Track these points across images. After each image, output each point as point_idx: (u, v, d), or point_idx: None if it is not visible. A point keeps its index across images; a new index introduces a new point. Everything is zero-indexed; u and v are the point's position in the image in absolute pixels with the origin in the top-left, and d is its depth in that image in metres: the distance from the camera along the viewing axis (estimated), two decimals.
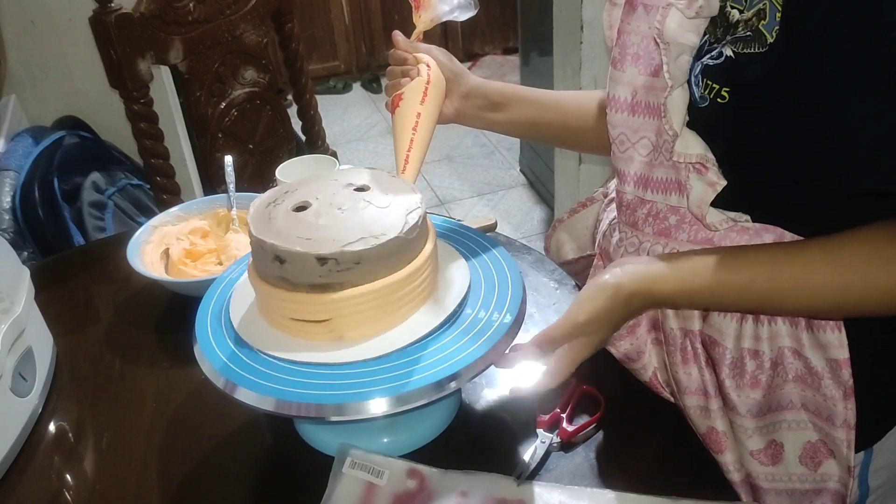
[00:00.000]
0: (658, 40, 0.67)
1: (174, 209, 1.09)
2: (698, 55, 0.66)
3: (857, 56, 0.57)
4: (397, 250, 0.67)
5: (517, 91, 0.96)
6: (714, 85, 0.65)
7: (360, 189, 0.73)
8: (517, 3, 2.63)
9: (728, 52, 0.64)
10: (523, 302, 0.73)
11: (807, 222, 0.67)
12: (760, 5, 0.61)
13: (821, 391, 0.70)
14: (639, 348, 0.78)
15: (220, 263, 1.01)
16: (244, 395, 0.64)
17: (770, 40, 0.61)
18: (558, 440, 0.74)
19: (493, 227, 1.03)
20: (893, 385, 0.75)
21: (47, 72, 1.87)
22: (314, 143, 1.76)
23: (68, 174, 1.71)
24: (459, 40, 3.84)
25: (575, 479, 0.71)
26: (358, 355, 0.66)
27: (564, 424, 0.75)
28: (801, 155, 0.65)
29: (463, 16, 0.88)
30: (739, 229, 0.70)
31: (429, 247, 0.71)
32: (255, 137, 1.61)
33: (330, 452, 0.73)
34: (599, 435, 0.76)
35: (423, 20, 0.89)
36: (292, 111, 1.74)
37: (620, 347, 0.79)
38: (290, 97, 2.22)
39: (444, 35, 3.79)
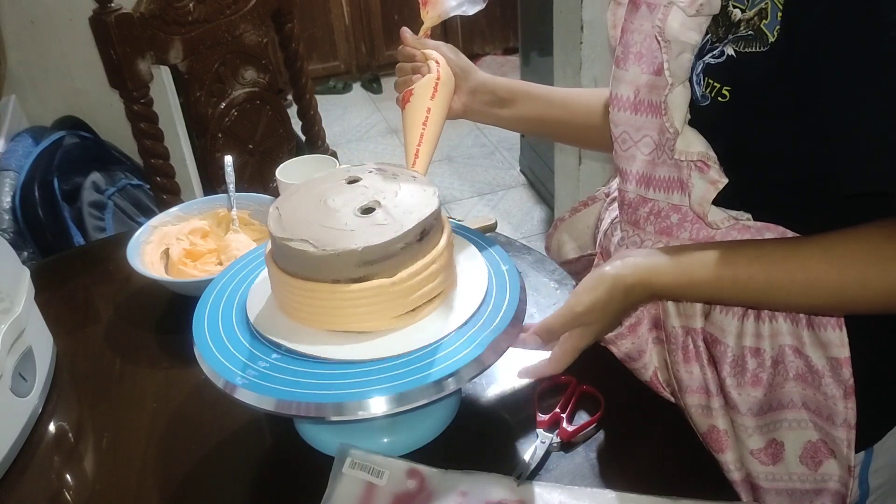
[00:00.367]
0: (659, 38, 0.67)
1: (174, 209, 1.09)
2: (700, 54, 0.66)
3: (856, 56, 0.57)
4: (415, 243, 0.68)
5: (524, 87, 0.96)
6: (715, 84, 0.65)
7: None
8: (517, 3, 2.62)
9: (729, 51, 0.64)
10: (523, 302, 0.73)
11: (808, 221, 0.67)
12: (762, 4, 0.61)
13: (821, 390, 0.70)
14: (640, 347, 0.78)
15: (220, 263, 1.01)
16: (244, 395, 0.64)
17: (771, 39, 0.61)
18: (558, 440, 0.74)
19: (493, 228, 1.03)
20: (894, 384, 0.75)
21: (47, 72, 1.87)
22: (314, 143, 1.76)
23: (68, 174, 1.71)
24: (459, 40, 3.84)
25: (575, 479, 0.71)
26: (374, 353, 0.66)
27: (564, 424, 0.75)
28: (802, 154, 0.65)
29: (472, 9, 0.88)
30: (741, 228, 0.70)
31: (444, 238, 0.72)
32: (255, 137, 1.61)
33: (330, 452, 0.73)
34: (599, 435, 0.75)
35: (431, 16, 0.90)
36: (292, 111, 1.74)
37: (622, 347, 0.79)
38: (290, 97, 2.22)
39: (444, 35, 3.79)
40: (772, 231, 0.70)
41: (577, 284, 0.96)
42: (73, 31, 1.75)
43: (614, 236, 0.82)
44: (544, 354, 0.75)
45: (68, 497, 0.75)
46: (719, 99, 0.65)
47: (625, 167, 0.77)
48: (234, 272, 0.80)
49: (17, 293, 0.84)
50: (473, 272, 0.76)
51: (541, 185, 2.71)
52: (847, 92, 0.58)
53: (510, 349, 0.69)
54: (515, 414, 0.78)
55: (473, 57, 3.89)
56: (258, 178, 1.62)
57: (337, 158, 1.38)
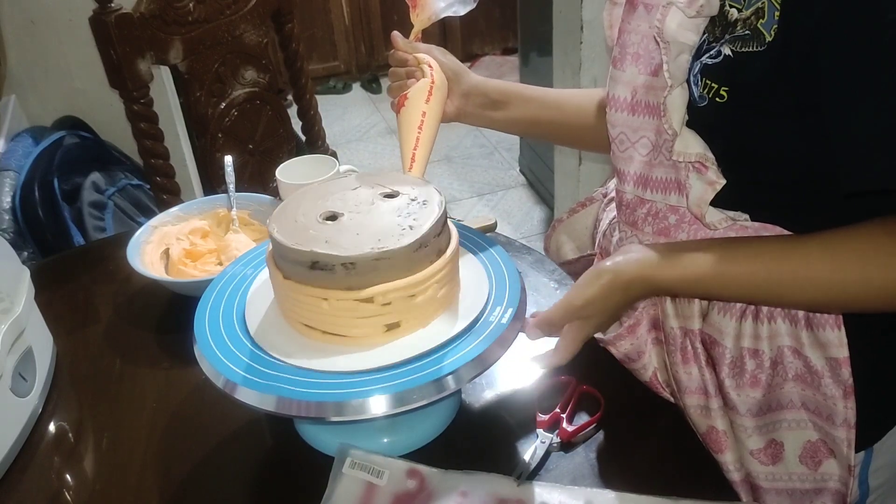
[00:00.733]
0: (658, 39, 0.67)
1: (174, 209, 1.09)
2: (697, 54, 0.66)
3: (855, 55, 0.57)
4: (421, 249, 0.68)
5: (517, 89, 0.96)
6: (713, 84, 0.65)
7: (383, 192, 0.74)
8: (517, 3, 2.63)
9: (727, 51, 0.64)
10: (523, 302, 0.73)
11: (806, 221, 0.67)
12: (759, 4, 0.61)
13: (821, 390, 0.70)
14: (639, 348, 0.79)
15: (220, 263, 1.01)
16: (244, 395, 0.64)
17: (769, 39, 0.61)
18: (558, 440, 0.74)
19: (492, 228, 1.03)
20: (893, 384, 0.75)
21: (47, 72, 1.87)
22: (314, 143, 1.76)
23: (68, 174, 1.71)
24: (458, 41, 3.84)
25: (575, 479, 0.71)
26: (374, 362, 0.66)
27: (564, 424, 0.75)
28: (801, 154, 0.65)
29: (462, 10, 0.88)
30: (738, 228, 0.70)
31: (452, 244, 0.72)
32: (255, 137, 1.61)
33: (330, 452, 0.73)
34: (599, 435, 0.76)
35: (421, 18, 0.89)
36: (292, 111, 1.74)
37: (621, 347, 0.79)
38: (290, 97, 2.22)
39: (443, 36, 3.79)
40: (769, 231, 0.70)
41: None
42: (73, 31, 1.75)
43: (613, 237, 0.82)
44: (552, 342, 0.75)
45: (68, 497, 0.75)
46: (717, 99, 0.65)
47: (622, 168, 0.78)
48: (234, 272, 0.80)
49: (17, 293, 0.84)
50: (474, 276, 0.76)
51: (540, 185, 2.71)
52: (846, 91, 0.58)
53: (511, 347, 0.70)
54: (515, 414, 0.78)
55: (472, 57, 3.90)
56: (258, 178, 1.62)
57: (337, 158, 1.38)
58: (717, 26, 0.65)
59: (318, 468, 0.71)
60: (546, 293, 0.96)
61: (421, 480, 0.69)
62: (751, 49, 0.62)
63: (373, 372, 0.65)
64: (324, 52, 3.74)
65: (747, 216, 0.70)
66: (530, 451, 0.73)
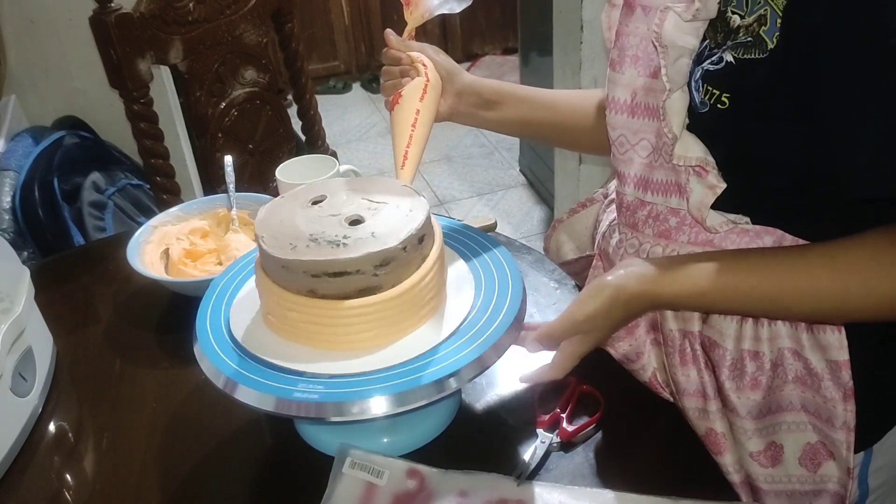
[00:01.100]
0: (656, 43, 0.67)
1: (174, 209, 1.09)
2: (699, 60, 0.66)
3: (857, 62, 0.57)
4: (408, 257, 0.67)
5: (511, 89, 0.96)
6: (714, 90, 0.65)
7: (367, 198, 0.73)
8: (517, 3, 2.63)
9: (729, 57, 0.63)
10: (523, 302, 0.73)
11: (807, 225, 0.67)
12: (761, 11, 0.61)
13: (821, 393, 0.70)
14: (637, 349, 0.78)
15: (220, 263, 1.01)
16: (244, 395, 0.64)
17: (771, 46, 0.61)
18: (558, 440, 0.74)
19: (493, 227, 1.03)
20: (893, 386, 0.75)
21: (47, 72, 1.87)
22: (314, 143, 1.76)
23: (68, 174, 1.71)
24: (459, 41, 3.84)
25: (575, 479, 0.71)
26: (364, 366, 0.66)
27: (564, 424, 0.75)
28: (803, 160, 0.65)
29: (458, 7, 0.87)
30: (739, 231, 0.70)
31: (436, 250, 0.71)
32: (255, 137, 1.61)
33: (330, 452, 0.73)
34: (599, 435, 0.76)
35: (415, 16, 0.89)
36: (292, 111, 1.74)
37: (619, 348, 0.79)
38: (290, 97, 2.22)
39: (443, 35, 3.79)
40: (770, 234, 0.70)
41: (576, 284, 0.97)
42: (73, 30, 1.75)
43: (612, 238, 0.82)
44: (546, 357, 0.75)
45: (68, 497, 0.75)
46: (719, 106, 0.65)
47: (623, 170, 0.77)
48: (234, 272, 0.80)
49: (17, 293, 0.84)
50: (475, 277, 0.76)
51: (540, 185, 2.71)
52: (849, 98, 0.58)
53: (510, 349, 0.70)
54: (515, 414, 0.78)
55: (473, 57, 3.89)
56: (258, 178, 1.62)
57: (337, 158, 1.38)
58: (719, 32, 0.64)
59: (318, 468, 0.71)
60: (546, 293, 0.96)
61: (421, 480, 0.69)
62: (753, 56, 0.62)
63: (373, 372, 0.65)
64: (324, 52, 3.74)
65: (748, 219, 0.70)
66: (530, 451, 0.73)
